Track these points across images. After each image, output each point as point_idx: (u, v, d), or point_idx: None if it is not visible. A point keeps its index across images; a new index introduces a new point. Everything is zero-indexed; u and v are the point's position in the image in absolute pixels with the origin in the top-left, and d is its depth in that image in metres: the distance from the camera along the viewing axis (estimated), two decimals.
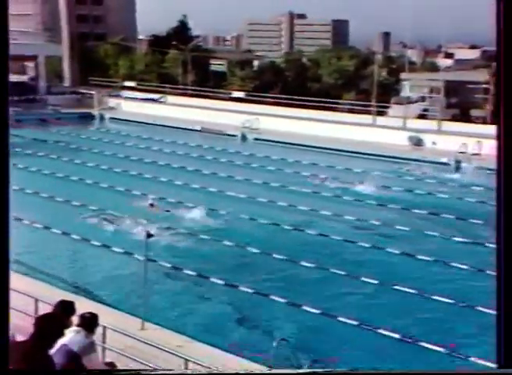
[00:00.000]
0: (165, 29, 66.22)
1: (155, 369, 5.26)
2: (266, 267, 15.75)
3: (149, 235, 12.51)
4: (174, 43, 55.73)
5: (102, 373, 2.64)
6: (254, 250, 16.65)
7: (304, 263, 15.72)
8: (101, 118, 42.47)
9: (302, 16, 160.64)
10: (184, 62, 51.95)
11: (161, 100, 46.68)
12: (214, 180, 25.44)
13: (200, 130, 37.70)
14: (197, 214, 19.45)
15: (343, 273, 15.14)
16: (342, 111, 42.06)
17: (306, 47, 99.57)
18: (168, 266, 15.26)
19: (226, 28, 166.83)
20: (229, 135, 36.35)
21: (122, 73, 55.44)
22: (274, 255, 16.24)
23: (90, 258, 16.15)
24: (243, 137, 36.06)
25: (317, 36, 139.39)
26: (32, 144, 32.01)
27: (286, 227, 19.05)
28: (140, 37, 76.05)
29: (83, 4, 66.23)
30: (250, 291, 13.98)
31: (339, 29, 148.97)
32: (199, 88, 48.17)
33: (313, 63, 57.65)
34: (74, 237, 17.24)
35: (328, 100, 41.54)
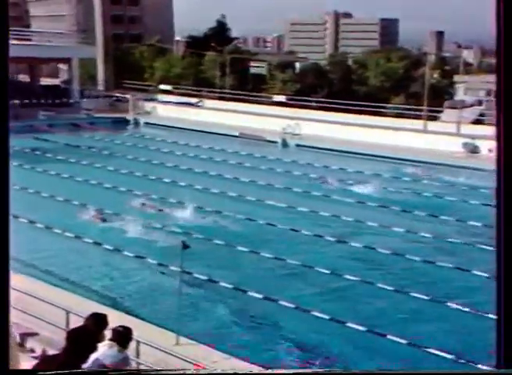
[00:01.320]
0: (202, 30, 67.04)
1: (155, 370, 5.34)
2: (311, 280, 15.69)
3: (185, 246, 12.64)
4: (212, 44, 56.33)
5: (103, 373, 2.74)
6: (295, 262, 16.59)
7: (348, 277, 15.58)
8: (136, 123, 43.14)
9: (348, 15, 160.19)
10: (222, 64, 52.42)
11: (199, 104, 47.16)
12: (252, 188, 25.50)
13: (238, 136, 37.88)
14: (232, 224, 19.52)
15: (390, 288, 14.97)
16: (390, 116, 41.71)
17: (352, 48, 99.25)
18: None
19: (267, 29, 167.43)
20: (268, 141, 36.40)
21: (158, 76, 56.28)
22: (317, 269, 16.14)
23: (130, 270, 16.33)
24: (284, 144, 36.09)
25: (364, 36, 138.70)
26: (64, 149, 32.74)
27: (329, 239, 18.93)
28: (177, 38, 77.16)
29: (119, 4, 67.60)
30: (291, 305, 13.93)
31: (388, 28, 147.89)
32: (237, 92, 48.47)
33: (359, 65, 57.41)
34: (107, 246, 17.50)
35: (375, 104, 41.27)
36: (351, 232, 19.77)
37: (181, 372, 2.44)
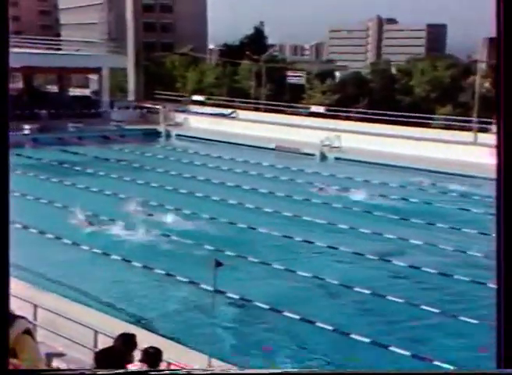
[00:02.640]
0: (238, 37, 67.70)
1: (161, 370, 5.45)
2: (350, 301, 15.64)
3: (218, 263, 12.78)
4: (247, 53, 56.83)
5: (107, 373, 2.86)
6: (333, 281, 16.56)
7: (391, 298, 15.48)
8: (167, 135, 43.70)
9: (392, 21, 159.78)
10: (258, 73, 52.79)
11: (232, 115, 47.54)
12: (288, 203, 25.54)
13: (274, 149, 38.02)
14: (267, 241, 19.60)
15: (436, 310, 14.83)
16: (436, 127, 41.38)
17: (395, 55, 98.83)
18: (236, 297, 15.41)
19: (305, 36, 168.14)
20: (306, 154, 36.47)
21: (190, 86, 56.97)
22: (356, 289, 16.09)
23: (154, 288, 16.52)
24: (323, 156, 36.07)
25: (408, 43, 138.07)
26: (93, 162, 33.33)
27: (370, 257, 18.84)
28: (211, 46, 78.12)
29: (152, 11, 68.77)
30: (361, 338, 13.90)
31: (435, 35, 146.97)
32: (274, 103, 48.74)
33: (403, 74, 57.15)
34: (135, 264, 17.71)
35: (421, 115, 41.01)
36: (393, 249, 19.63)
37: (185, 372, 2.54)
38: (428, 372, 2.68)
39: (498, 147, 2.31)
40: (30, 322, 3.19)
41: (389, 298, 15.58)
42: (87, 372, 2.79)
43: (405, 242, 20.48)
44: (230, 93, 53.67)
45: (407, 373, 2.68)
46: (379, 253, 19.08)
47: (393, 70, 60.86)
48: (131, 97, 55.82)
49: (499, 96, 2.31)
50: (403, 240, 20.62)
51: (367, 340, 13.22)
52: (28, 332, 3.17)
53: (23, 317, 3.32)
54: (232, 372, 2.98)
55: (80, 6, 74.41)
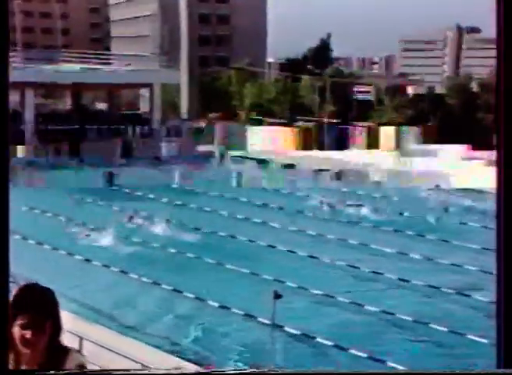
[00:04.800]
0: (300, 50, 68.32)
1: (155, 368, 5.62)
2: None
3: (277, 295, 12.92)
4: (310, 67, 57.32)
5: (104, 373, 3.04)
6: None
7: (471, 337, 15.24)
8: (222, 156, 44.24)
9: (474, 30, 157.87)
10: (322, 89, 53.11)
11: None
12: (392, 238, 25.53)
13: (331, 171, 38.22)
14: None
15: None
16: None
17: (477, 68, 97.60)
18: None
19: (374, 48, 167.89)
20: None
21: (248, 103, 57.66)
22: None
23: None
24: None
25: (493, 54, 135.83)
26: (145, 185, 33.98)
27: None
28: (270, 60, 78.88)
29: (207, 23, 69.82)
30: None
31: None
32: (338, 121, 48.87)
33: (485, 89, 56.46)
34: (188, 295, 18.05)
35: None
36: None
37: (179, 371, 2.76)
38: (428, 372, 2.85)
39: (498, 155, 2.45)
40: (83, 355, 3.38)
41: None
42: (89, 372, 2.98)
43: None
44: (291, 110, 54.08)
45: (407, 373, 2.91)
46: None
47: (474, 85, 60.21)
48: (184, 115, 56.70)
49: (499, 98, 2.43)
50: None
51: None
52: (82, 367, 3.19)
53: (77, 351, 3.38)
54: (231, 372, 3.13)
55: (133, 18, 76.58)
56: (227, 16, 72.47)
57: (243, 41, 69.24)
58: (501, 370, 2.44)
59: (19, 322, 3.00)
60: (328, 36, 67.60)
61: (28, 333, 3.03)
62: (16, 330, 3.02)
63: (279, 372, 2.86)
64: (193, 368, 12.22)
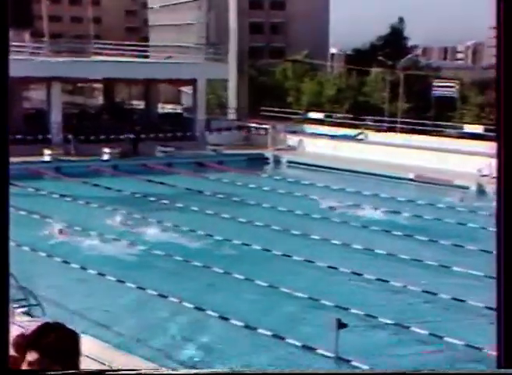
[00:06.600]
0: (368, 39, 67.91)
1: (155, 369, 5.90)
2: None
3: (341, 324, 12.95)
4: (380, 58, 56.81)
5: (102, 373, 3.20)
6: None
7: None
8: (277, 161, 44.18)
9: None
10: (394, 84, 52.58)
11: (360, 137, 47.49)
12: (432, 250, 25.06)
13: (413, 179, 37.64)
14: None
15: None
16: None
17: None
18: None
19: (458, 35, 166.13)
20: (457, 186, 35.89)
21: (306, 101, 57.52)
22: None
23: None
24: (480, 190, 35.31)
25: None
26: (184, 195, 34.14)
27: None
28: (333, 51, 78.65)
29: (259, 9, 70.15)
30: None
31: None
32: (414, 121, 48.24)
33: None
34: (235, 323, 17.92)
35: None
36: None
37: (180, 372, 2.75)
38: (428, 372, 3.06)
39: (498, 157, 2.65)
40: None
41: None
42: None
43: None
44: (356, 109, 53.72)
45: (407, 373, 3.09)
46: None
47: None
48: (232, 115, 56.87)
49: (499, 98, 2.63)
50: None
51: None
52: None
53: None
54: (230, 372, 3.20)
55: (173, 4, 77.30)
56: (282, 0, 72.55)
57: (300, 30, 69.16)
58: (501, 370, 2.69)
59: (29, 358, 3.15)
60: (401, 21, 66.89)
61: None
62: (24, 364, 3.17)
63: (279, 372, 3.40)
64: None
